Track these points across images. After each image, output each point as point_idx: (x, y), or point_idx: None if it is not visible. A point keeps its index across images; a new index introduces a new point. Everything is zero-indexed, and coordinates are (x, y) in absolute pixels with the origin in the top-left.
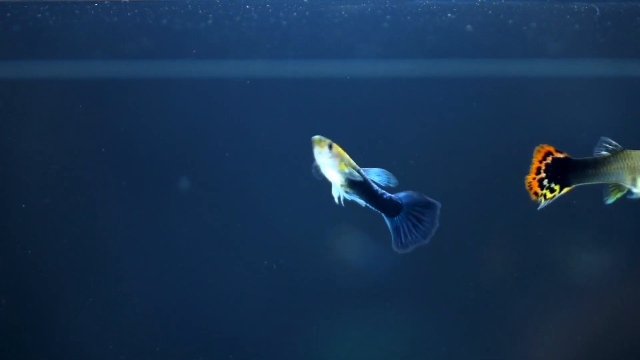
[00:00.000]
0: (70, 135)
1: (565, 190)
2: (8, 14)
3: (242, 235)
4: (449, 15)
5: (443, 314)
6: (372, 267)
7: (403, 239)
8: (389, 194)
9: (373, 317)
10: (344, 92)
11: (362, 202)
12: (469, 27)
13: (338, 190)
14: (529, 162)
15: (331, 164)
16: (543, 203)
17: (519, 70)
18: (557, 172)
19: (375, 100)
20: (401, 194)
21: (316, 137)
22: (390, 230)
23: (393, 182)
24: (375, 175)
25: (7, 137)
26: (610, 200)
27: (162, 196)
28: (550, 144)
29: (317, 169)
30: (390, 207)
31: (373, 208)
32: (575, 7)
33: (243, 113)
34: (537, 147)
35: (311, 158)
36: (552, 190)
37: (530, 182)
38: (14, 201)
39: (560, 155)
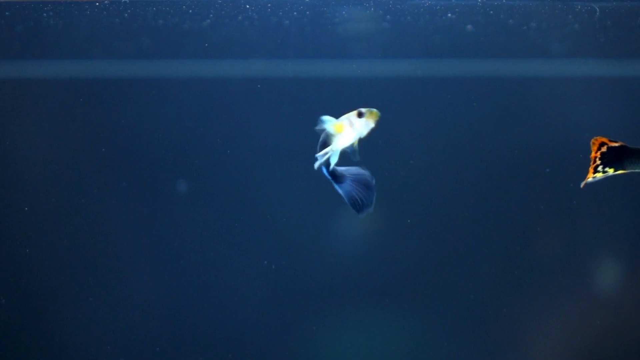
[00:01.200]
0: (70, 135)
1: (620, 172)
2: (7, 13)
3: (242, 235)
4: (450, 15)
5: (443, 314)
6: (373, 267)
7: (360, 201)
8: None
9: (373, 317)
10: (344, 92)
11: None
12: (469, 27)
13: (334, 156)
14: (529, 162)
15: (363, 134)
16: (590, 179)
17: (519, 70)
18: (613, 159)
19: (375, 100)
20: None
21: (375, 110)
22: (345, 197)
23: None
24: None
25: (7, 137)
26: None
27: (162, 196)
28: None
29: (327, 143)
30: (337, 175)
31: (327, 175)
32: (578, 7)
33: (243, 113)
34: (592, 140)
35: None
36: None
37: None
38: (14, 201)
39: (616, 144)
